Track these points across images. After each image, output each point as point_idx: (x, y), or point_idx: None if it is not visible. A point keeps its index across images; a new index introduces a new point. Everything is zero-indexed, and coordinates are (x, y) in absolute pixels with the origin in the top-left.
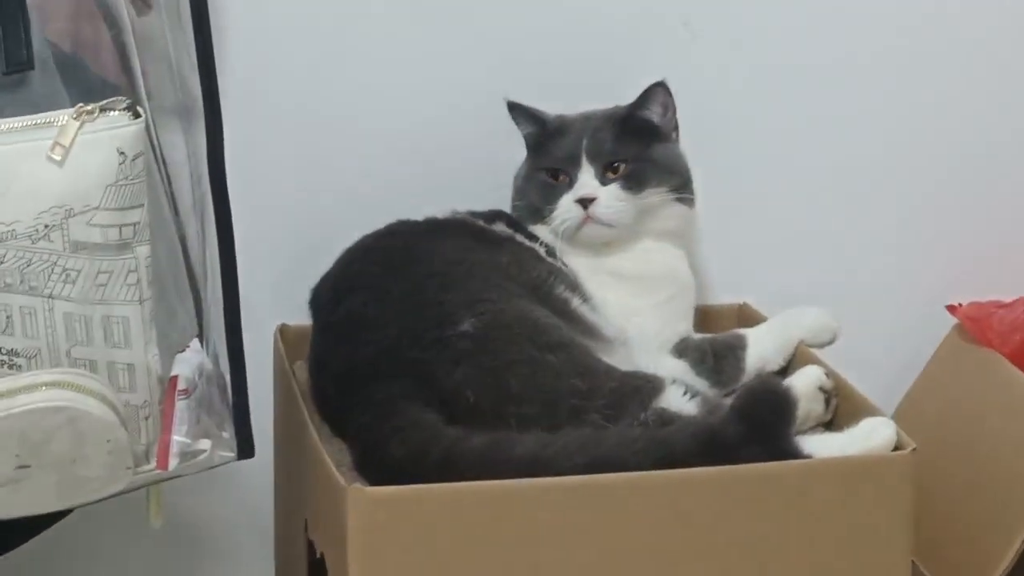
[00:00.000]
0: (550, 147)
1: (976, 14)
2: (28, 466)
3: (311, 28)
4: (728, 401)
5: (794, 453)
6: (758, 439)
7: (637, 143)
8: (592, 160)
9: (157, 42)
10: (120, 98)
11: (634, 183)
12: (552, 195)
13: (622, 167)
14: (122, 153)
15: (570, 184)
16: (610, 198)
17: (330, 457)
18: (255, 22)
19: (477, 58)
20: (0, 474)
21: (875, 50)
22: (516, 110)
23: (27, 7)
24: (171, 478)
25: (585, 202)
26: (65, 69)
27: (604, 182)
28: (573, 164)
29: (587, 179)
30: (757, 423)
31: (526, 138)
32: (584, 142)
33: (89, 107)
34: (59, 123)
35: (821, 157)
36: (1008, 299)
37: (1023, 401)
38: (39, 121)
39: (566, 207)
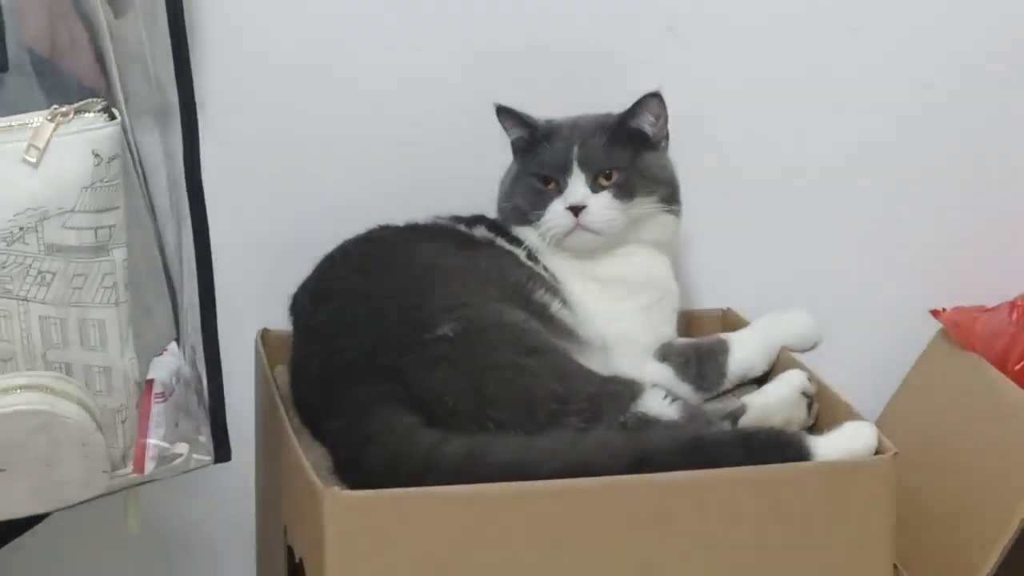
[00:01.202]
0: (540, 152)
1: (963, 24)
2: (3, 470)
3: (291, 28)
4: (710, 406)
5: None
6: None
7: (628, 152)
8: (583, 168)
9: (134, 44)
10: (96, 100)
11: (625, 192)
12: (541, 201)
13: (614, 176)
14: (97, 155)
15: (560, 191)
16: (601, 207)
17: (309, 462)
18: (233, 24)
19: (461, 62)
20: None
21: (859, 57)
22: (505, 114)
23: (2, 10)
24: (148, 482)
25: (576, 209)
26: (41, 72)
27: (595, 190)
28: (564, 171)
29: (578, 187)
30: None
31: (514, 143)
32: (575, 149)
33: (64, 109)
34: (34, 125)
35: (804, 163)
36: (992, 304)
37: (1007, 405)
38: (13, 123)
39: (556, 213)
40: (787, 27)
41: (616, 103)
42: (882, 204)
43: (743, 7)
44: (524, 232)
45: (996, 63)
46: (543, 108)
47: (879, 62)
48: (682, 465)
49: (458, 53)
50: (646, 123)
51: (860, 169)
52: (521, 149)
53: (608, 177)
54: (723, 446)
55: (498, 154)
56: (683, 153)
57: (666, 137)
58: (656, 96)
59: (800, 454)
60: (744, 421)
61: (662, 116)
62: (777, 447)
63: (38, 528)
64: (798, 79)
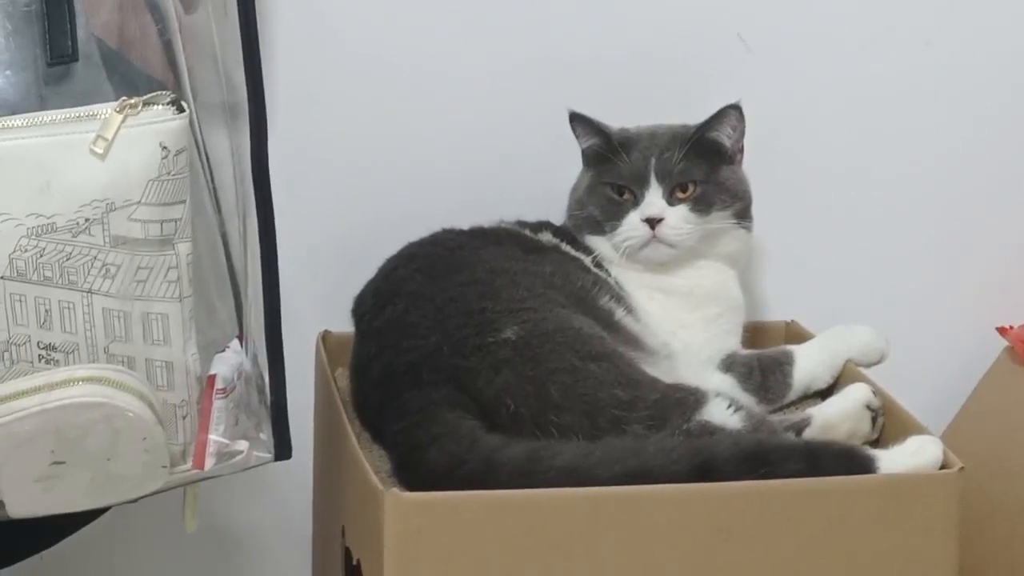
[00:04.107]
0: (615, 162)
1: None
2: (63, 462)
3: (361, 29)
4: (774, 417)
5: None
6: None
7: (706, 165)
8: (661, 180)
9: (203, 39)
10: (164, 92)
11: (702, 206)
12: (617, 211)
13: (691, 188)
14: (165, 148)
15: (636, 202)
16: (678, 219)
17: (369, 463)
18: (304, 23)
19: (527, 70)
20: (35, 470)
21: (928, 68)
22: (578, 121)
23: (73, 0)
24: (207, 478)
25: (652, 222)
26: (110, 64)
27: (672, 203)
28: (640, 182)
29: (655, 198)
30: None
31: (585, 151)
32: (652, 161)
33: (133, 100)
34: (102, 116)
35: (872, 175)
36: None
37: None
38: (82, 114)
39: (632, 225)
40: (859, 40)
41: (686, 112)
42: (950, 220)
43: (815, 21)
44: (596, 242)
45: None
46: (607, 116)
47: (950, 77)
48: (745, 472)
49: (524, 62)
50: (724, 135)
51: (929, 184)
52: (593, 158)
53: (685, 190)
54: (786, 453)
55: (564, 164)
56: (752, 165)
57: (741, 150)
58: (736, 108)
59: (864, 470)
60: (808, 433)
61: (739, 129)
62: (842, 460)
63: (95, 523)
64: (869, 92)
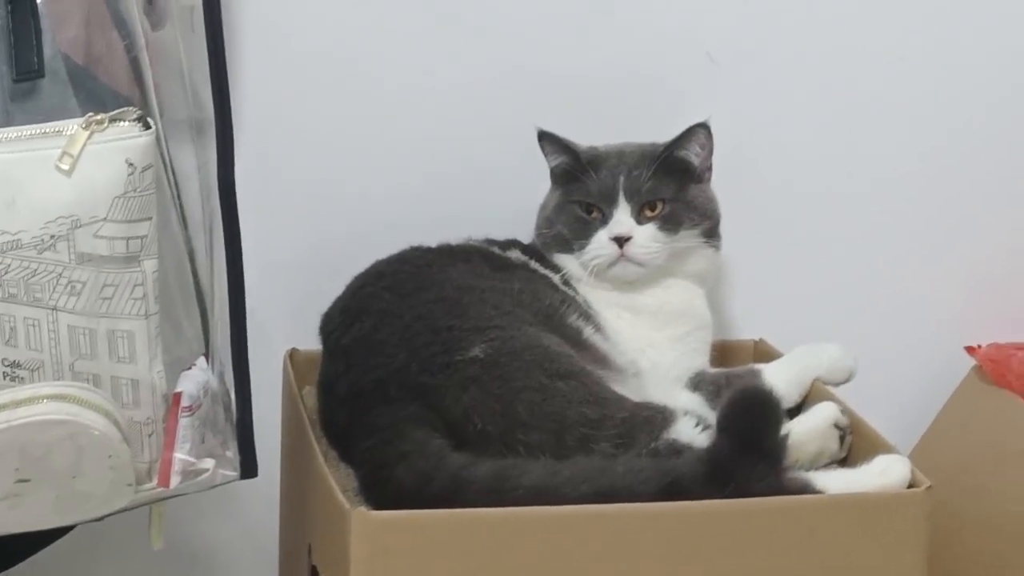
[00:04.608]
0: (583, 180)
1: (1009, 59)
2: (28, 480)
3: (329, 46)
4: None
5: (781, 448)
6: (747, 448)
7: (674, 183)
8: (629, 198)
9: (171, 55)
10: (131, 109)
11: (670, 224)
12: (585, 230)
13: (659, 207)
14: (131, 164)
15: (604, 220)
16: (646, 238)
17: (336, 482)
18: (271, 39)
19: (498, 87)
20: None
21: (897, 86)
22: (547, 139)
23: (39, 14)
24: (173, 496)
25: (620, 240)
26: (77, 80)
27: (640, 221)
28: (608, 201)
29: (623, 217)
30: (741, 431)
31: (553, 169)
32: (621, 179)
33: (99, 117)
34: (68, 132)
35: (840, 194)
36: None
37: None
38: (48, 130)
39: (600, 244)
40: (828, 60)
41: (652, 132)
42: (918, 239)
43: (784, 40)
44: (564, 260)
45: None
46: (576, 135)
47: (919, 95)
48: (713, 491)
49: (494, 80)
50: (693, 154)
51: (896, 204)
52: (562, 176)
53: (653, 208)
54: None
55: (533, 181)
56: (720, 184)
57: (710, 169)
58: (704, 127)
59: (768, 397)
60: None
61: (708, 147)
62: (745, 402)
63: (61, 542)
64: (837, 112)
